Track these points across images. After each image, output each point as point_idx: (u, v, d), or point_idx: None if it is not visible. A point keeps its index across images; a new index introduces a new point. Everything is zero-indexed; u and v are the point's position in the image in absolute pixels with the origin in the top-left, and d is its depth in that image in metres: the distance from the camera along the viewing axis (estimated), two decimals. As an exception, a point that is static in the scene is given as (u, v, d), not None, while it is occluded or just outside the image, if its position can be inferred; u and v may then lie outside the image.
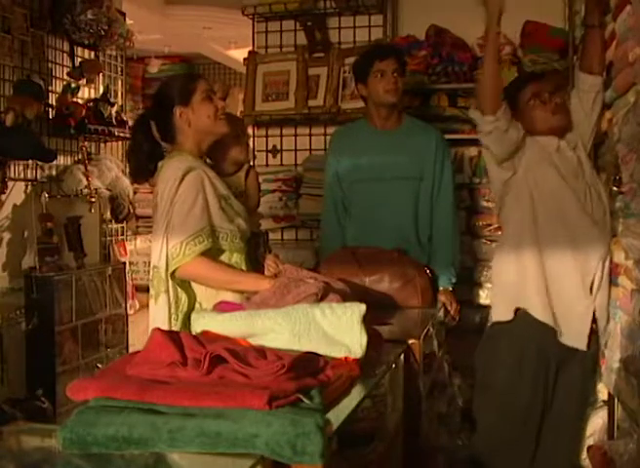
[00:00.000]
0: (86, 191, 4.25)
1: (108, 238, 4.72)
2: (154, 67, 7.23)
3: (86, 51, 4.50)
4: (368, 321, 1.71)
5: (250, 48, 4.34)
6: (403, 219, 3.19)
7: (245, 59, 4.28)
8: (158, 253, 2.32)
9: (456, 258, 3.22)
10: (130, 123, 4.88)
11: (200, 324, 1.77)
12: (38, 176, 4.06)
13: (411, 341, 2.25)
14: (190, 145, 2.44)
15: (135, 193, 4.90)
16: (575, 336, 2.66)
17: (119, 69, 4.94)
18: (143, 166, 2.50)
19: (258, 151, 4.31)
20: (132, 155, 2.56)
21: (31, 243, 3.92)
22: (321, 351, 1.63)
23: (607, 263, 2.64)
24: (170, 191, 2.32)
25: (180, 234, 2.29)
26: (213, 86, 2.52)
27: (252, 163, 4.09)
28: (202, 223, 2.31)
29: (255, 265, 2.51)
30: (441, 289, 3.11)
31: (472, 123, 3.76)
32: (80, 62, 4.42)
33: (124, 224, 4.90)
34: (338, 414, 1.43)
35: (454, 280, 3.15)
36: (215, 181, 2.41)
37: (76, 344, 4.03)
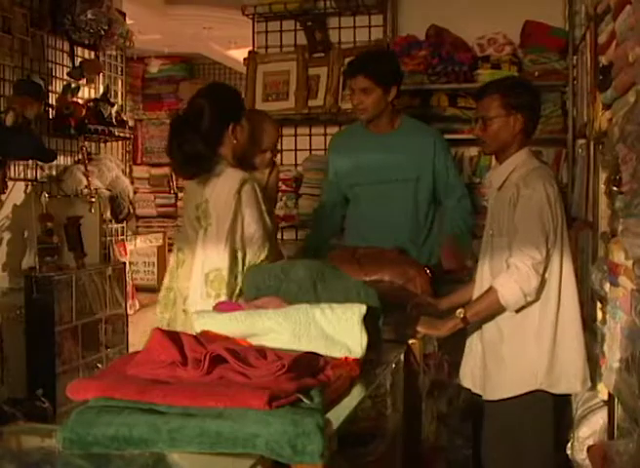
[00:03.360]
0: (86, 191, 4.25)
1: (108, 238, 4.72)
2: (154, 67, 7.24)
3: (86, 51, 4.51)
4: (368, 318, 1.71)
5: (250, 48, 4.34)
6: (401, 221, 3.20)
7: (245, 59, 4.28)
8: (220, 255, 2.36)
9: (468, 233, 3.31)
10: (130, 123, 4.90)
11: (200, 324, 1.77)
12: (38, 176, 4.06)
13: (411, 341, 2.25)
14: (227, 154, 2.49)
15: (135, 193, 4.90)
16: None
17: (119, 69, 4.95)
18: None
19: (258, 151, 4.31)
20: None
21: (31, 243, 3.92)
22: (321, 351, 1.63)
23: None
24: (228, 200, 2.37)
25: (258, 240, 2.42)
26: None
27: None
28: (264, 229, 2.45)
29: None
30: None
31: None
32: (80, 62, 4.42)
33: (124, 224, 4.90)
34: (338, 414, 1.43)
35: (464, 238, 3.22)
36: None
37: (76, 344, 4.04)
